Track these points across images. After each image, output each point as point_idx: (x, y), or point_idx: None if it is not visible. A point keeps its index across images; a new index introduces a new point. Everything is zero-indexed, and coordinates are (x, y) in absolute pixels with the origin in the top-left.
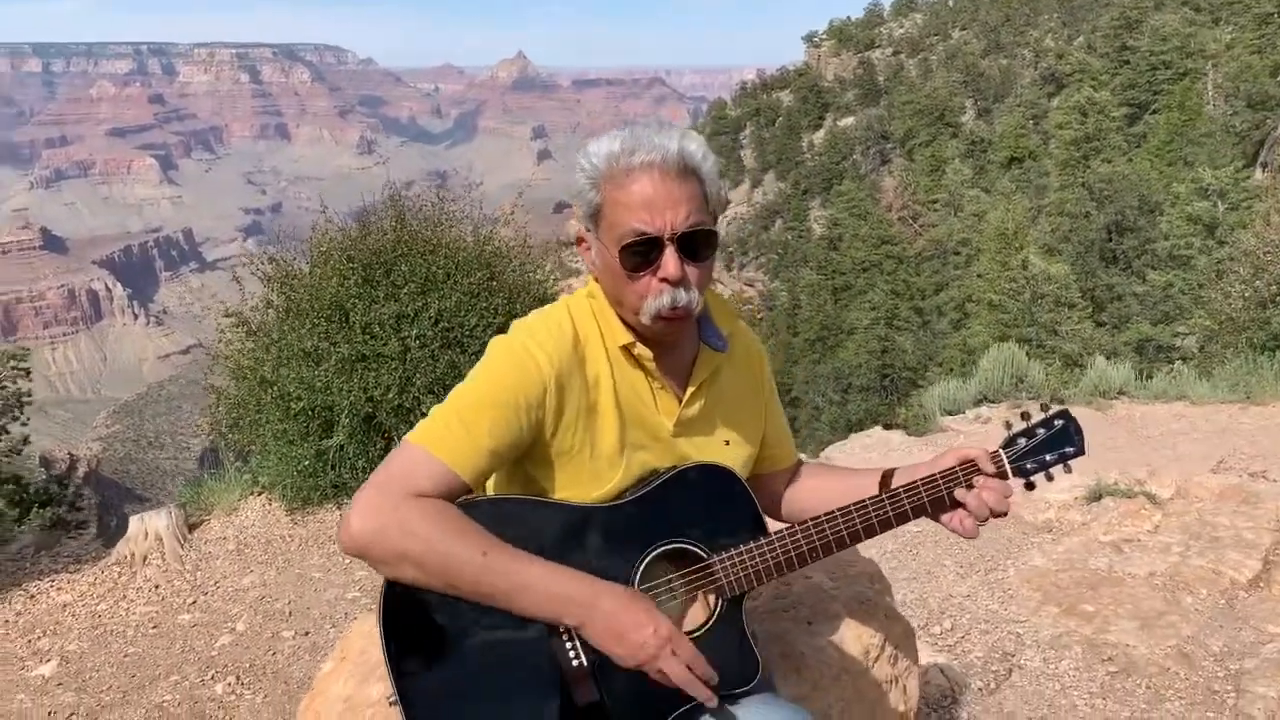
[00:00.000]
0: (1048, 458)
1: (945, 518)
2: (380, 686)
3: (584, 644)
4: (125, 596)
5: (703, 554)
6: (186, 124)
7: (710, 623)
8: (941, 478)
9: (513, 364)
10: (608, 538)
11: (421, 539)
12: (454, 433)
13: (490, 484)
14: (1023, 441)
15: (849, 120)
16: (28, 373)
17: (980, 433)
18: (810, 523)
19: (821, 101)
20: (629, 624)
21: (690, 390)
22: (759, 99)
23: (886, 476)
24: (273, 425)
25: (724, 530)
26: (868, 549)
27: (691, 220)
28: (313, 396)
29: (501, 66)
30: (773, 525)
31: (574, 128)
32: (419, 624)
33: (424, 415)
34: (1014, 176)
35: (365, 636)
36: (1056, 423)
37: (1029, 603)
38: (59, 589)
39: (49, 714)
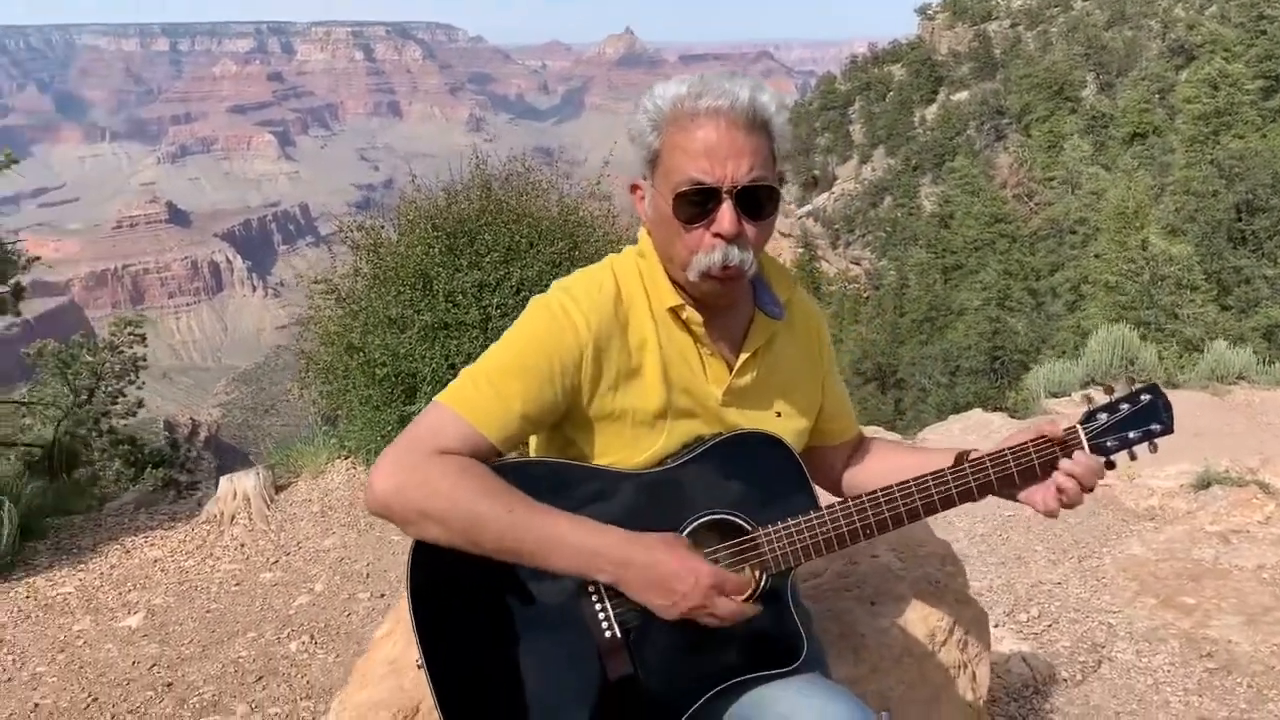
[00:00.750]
0: (1131, 435)
1: (1023, 495)
2: None
3: (617, 613)
4: (212, 554)
5: (747, 526)
6: (304, 101)
7: (753, 599)
8: (1012, 453)
9: (549, 325)
10: (646, 505)
11: (445, 496)
12: (483, 394)
13: (531, 446)
14: (1104, 417)
15: (963, 95)
16: (144, 338)
17: (1084, 411)
18: (865, 497)
19: (934, 75)
20: (668, 573)
21: (743, 358)
22: (869, 73)
23: (961, 457)
24: (359, 391)
25: (771, 502)
26: (953, 531)
27: (754, 174)
28: (397, 363)
29: (609, 42)
30: (826, 500)
31: None
32: (447, 588)
33: None
34: (1136, 153)
35: None
36: (1143, 398)
37: (1124, 593)
38: (152, 544)
39: (133, 664)
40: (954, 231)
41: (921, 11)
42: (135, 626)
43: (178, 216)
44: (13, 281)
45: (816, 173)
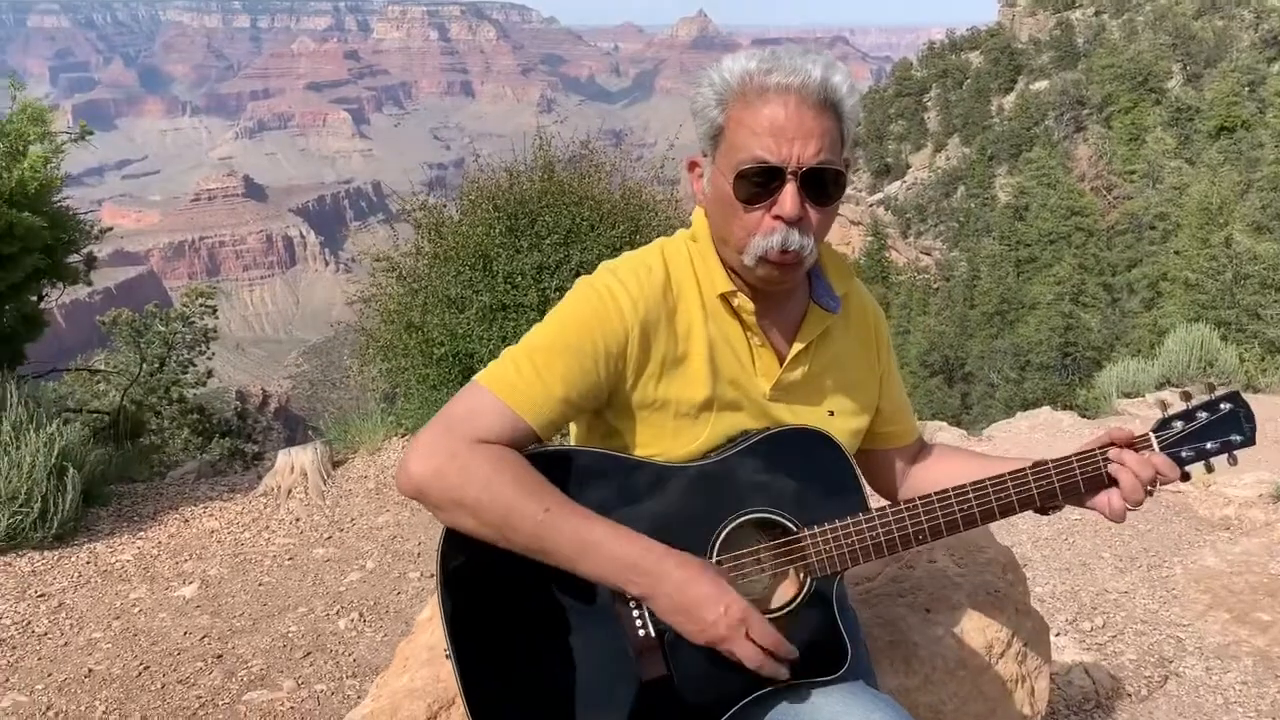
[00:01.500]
0: (1209, 445)
1: (1091, 501)
2: None
3: (652, 613)
4: (267, 527)
5: (792, 526)
6: (378, 79)
7: (797, 602)
8: (1078, 460)
9: (594, 307)
10: (687, 501)
11: (480, 487)
12: (525, 377)
13: (573, 436)
14: (1179, 425)
15: (1042, 84)
16: (214, 310)
17: (1158, 419)
18: (919, 501)
19: (1014, 64)
20: (698, 599)
21: (795, 351)
22: (946, 60)
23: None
24: (416, 369)
25: (819, 503)
26: (1015, 534)
27: (821, 157)
28: (454, 343)
29: (681, 25)
30: (878, 504)
31: None
32: (477, 578)
33: None
34: (1223, 147)
35: None
36: (1223, 406)
37: (1195, 605)
38: (210, 515)
39: (184, 634)
40: (1029, 224)
41: None
42: (189, 597)
43: (254, 190)
44: (85, 251)
45: (889, 160)
